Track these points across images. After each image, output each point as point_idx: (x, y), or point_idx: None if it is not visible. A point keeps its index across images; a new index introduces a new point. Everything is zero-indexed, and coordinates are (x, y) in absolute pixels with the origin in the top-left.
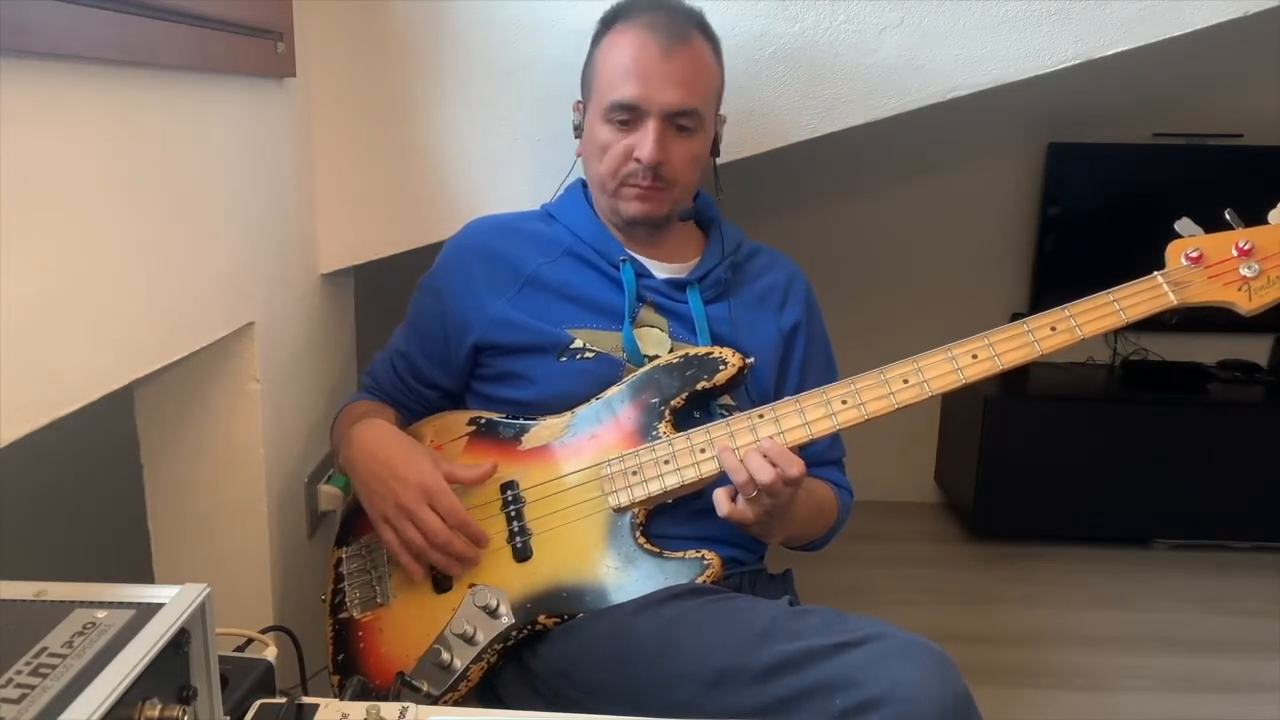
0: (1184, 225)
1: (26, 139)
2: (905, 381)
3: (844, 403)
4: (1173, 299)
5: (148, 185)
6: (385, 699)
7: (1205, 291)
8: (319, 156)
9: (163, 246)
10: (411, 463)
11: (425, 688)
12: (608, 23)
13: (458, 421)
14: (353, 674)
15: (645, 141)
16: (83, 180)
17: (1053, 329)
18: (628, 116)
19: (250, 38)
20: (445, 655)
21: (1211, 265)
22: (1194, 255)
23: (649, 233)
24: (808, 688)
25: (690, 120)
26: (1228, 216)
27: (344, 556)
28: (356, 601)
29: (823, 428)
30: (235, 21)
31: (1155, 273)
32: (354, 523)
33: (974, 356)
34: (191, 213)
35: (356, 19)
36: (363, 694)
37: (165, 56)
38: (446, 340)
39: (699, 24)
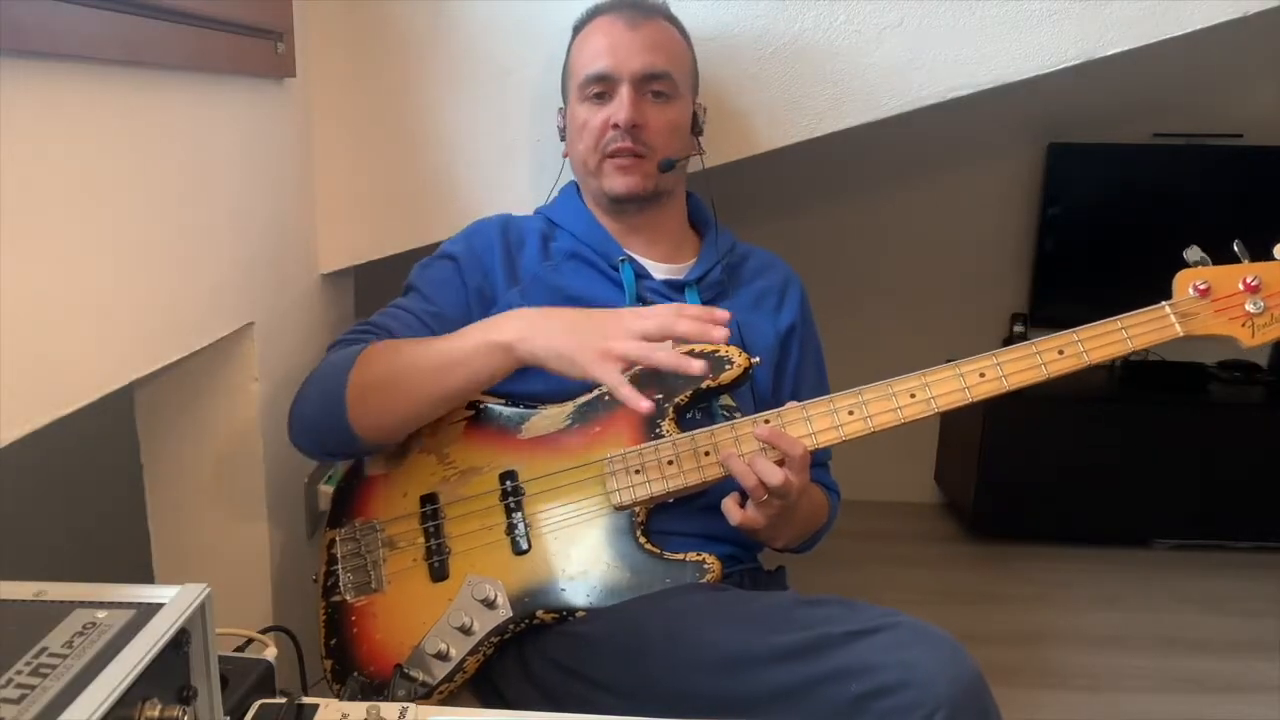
0: (1191, 253)
1: (27, 139)
2: (912, 396)
3: (850, 414)
4: (1179, 330)
5: (147, 185)
6: (380, 688)
7: (1210, 324)
8: (319, 156)
9: (163, 246)
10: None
11: (421, 677)
12: (577, 28)
13: None
14: (345, 659)
15: (620, 106)
16: (82, 180)
17: (1060, 353)
18: (602, 89)
19: (250, 38)
20: (442, 645)
21: (1219, 299)
22: (1202, 287)
23: (639, 211)
24: (823, 674)
25: (664, 85)
26: (1236, 249)
27: (337, 538)
28: (350, 585)
29: (828, 438)
30: (235, 21)
31: (1163, 303)
32: (346, 504)
33: (981, 375)
34: (191, 213)
35: (356, 19)
36: (362, 693)
37: (165, 56)
38: (469, 310)
39: (664, 13)
